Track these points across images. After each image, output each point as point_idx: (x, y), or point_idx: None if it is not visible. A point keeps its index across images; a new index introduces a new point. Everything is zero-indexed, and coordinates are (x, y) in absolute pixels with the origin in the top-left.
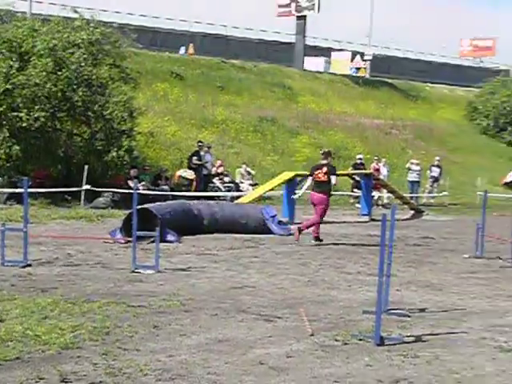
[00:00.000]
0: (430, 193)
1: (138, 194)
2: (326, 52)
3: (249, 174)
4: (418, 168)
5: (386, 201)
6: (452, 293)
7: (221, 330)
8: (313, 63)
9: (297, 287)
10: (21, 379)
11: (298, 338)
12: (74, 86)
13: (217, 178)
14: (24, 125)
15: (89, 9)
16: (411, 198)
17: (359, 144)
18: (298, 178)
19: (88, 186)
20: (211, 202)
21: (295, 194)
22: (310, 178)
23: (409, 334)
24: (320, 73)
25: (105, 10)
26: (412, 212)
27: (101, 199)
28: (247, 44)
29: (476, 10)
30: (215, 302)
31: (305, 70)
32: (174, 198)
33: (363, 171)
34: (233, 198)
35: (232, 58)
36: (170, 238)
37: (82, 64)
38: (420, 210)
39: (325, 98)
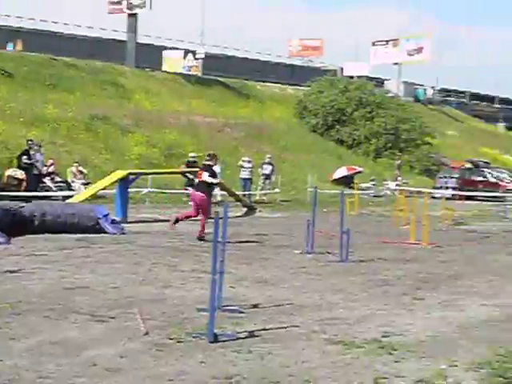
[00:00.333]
0: (262, 190)
1: None
2: (159, 50)
3: (81, 173)
4: (249, 166)
5: (218, 198)
6: (284, 288)
7: (52, 332)
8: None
9: (130, 286)
10: None
11: (132, 338)
12: None
13: (48, 177)
14: None
15: None
16: (244, 195)
17: (192, 142)
18: (132, 177)
19: None
20: (42, 201)
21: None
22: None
23: (242, 330)
24: (153, 71)
25: None
26: (245, 209)
27: None
28: (79, 41)
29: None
30: (47, 303)
31: (137, 67)
32: (2, 198)
33: (196, 169)
34: (64, 198)
35: (63, 55)
36: None
37: None
38: (253, 207)
39: (158, 97)
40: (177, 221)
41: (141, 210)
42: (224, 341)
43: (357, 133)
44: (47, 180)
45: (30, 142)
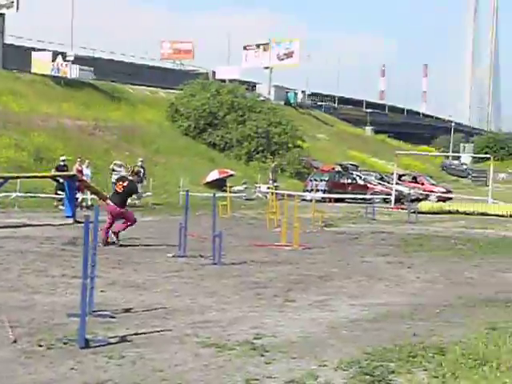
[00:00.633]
0: None
1: None
2: (28, 52)
3: None
4: (121, 169)
5: (90, 202)
6: (156, 292)
7: None
8: None
9: None
10: None
11: (0, 346)
12: None
13: None
14: None
15: None
16: None
17: (62, 145)
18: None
19: None
20: None
21: None
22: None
23: (114, 335)
24: (20, 72)
25: None
26: None
27: None
28: None
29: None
30: None
31: (5, 68)
32: None
33: (67, 173)
34: None
35: None
36: None
37: None
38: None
39: (26, 99)
40: (107, 241)
41: (10, 214)
42: (95, 346)
43: (229, 136)
44: None
45: None
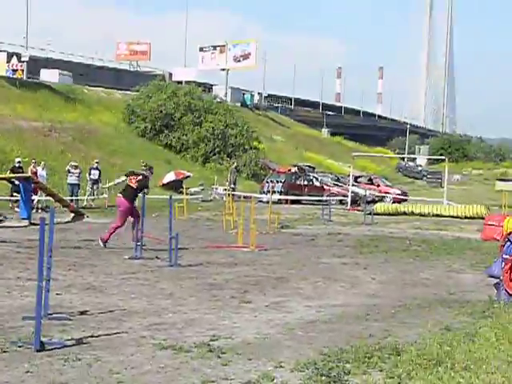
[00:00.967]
0: (90, 195)
1: None
2: None
3: None
4: (77, 171)
5: (45, 204)
6: (113, 294)
7: None
8: None
9: None
10: None
11: None
12: None
13: None
14: None
15: None
16: (71, 200)
17: (17, 147)
18: None
19: None
20: None
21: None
22: (124, 177)
23: (70, 338)
24: None
25: None
26: (72, 215)
27: None
28: None
29: (131, 15)
30: None
31: None
32: None
33: (22, 175)
34: None
35: None
36: None
37: None
38: (80, 213)
39: None
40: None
41: None
42: (51, 349)
43: (185, 138)
44: None
45: None
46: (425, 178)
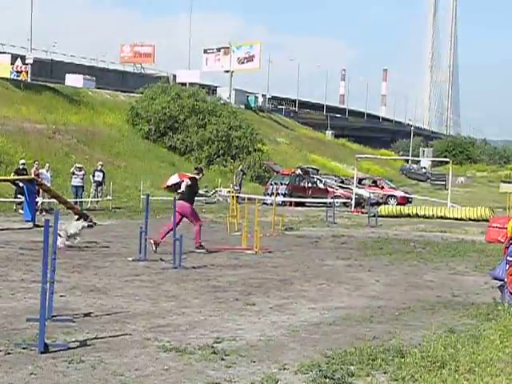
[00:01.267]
0: (94, 197)
1: None
2: None
3: None
4: (81, 173)
5: (47, 206)
6: (117, 296)
7: None
8: None
9: None
10: None
11: None
12: None
13: None
14: None
15: None
16: (76, 203)
17: (22, 149)
18: None
19: None
20: None
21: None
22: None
23: (74, 340)
24: None
25: None
26: (77, 217)
27: None
28: None
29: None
30: None
31: None
32: None
33: (26, 177)
34: None
35: None
36: None
37: None
38: (85, 215)
39: None
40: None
41: None
42: (55, 351)
43: (189, 140)
44: None
45: None
46: (429, 181)
